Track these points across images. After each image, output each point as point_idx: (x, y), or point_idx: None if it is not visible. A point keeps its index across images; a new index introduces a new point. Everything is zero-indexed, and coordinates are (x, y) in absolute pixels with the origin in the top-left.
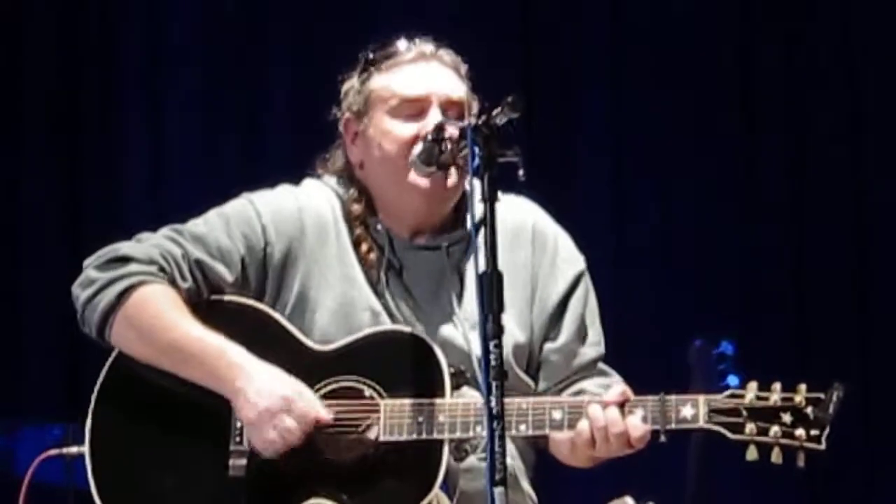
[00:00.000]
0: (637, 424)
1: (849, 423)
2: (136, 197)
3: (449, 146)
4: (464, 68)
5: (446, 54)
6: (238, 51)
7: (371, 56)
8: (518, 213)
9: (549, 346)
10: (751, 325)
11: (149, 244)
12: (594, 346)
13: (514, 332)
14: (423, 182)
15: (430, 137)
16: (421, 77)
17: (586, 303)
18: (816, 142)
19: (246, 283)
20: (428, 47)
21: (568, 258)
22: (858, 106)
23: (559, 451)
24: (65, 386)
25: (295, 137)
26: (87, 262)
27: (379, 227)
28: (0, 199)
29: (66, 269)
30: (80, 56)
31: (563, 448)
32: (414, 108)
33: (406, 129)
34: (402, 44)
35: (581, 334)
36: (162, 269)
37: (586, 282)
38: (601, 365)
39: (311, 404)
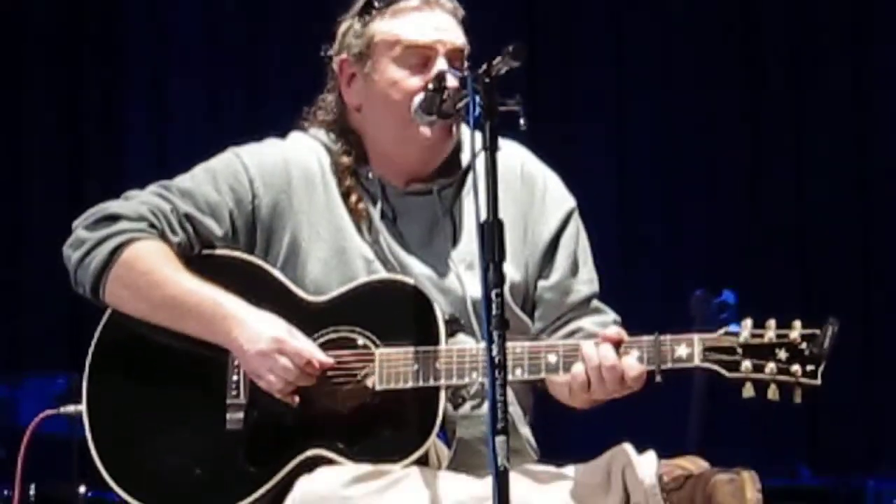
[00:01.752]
0: (632, 364)
1: (850, 361)
2: (137, 149)
3: (450, 95)
4: (461, 13)
5: (447, 0)
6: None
7: (368, 1)
8: (506, 155)
9: (542, 283)
10: (753, 274)
11: (137, 201)
12: (588, 283)
13: (510, 270)
14: (427, 132)
15: (430, 87)
16: (426, 25)
17: (578, 240)
18: (820, 93)
19: (235, 236)
20: None
21: (558, 197)
22: (862, 62)
23: (558, 392)
24: (68, 336)
25: (295, 91)
26: (76, 222)
27: (370, 175)
28: (3, 155)
29: (68, 220)
30: (82, 30)
31: (563, 390)
32: (420, 56)
33: (413, 81)
34: None
35: (574, 271)
36: (152, 225)
37: (577, 220)
38: (596, 303)
39: (304, 342)
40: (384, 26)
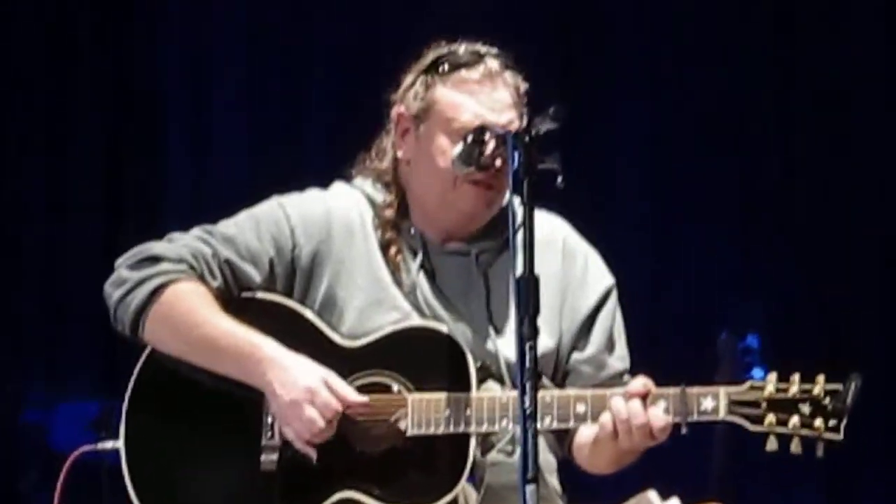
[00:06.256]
0: (659, 415)
1: (873, 413)
2: (177, 195)
3: (489, 148)
4: (523, 87)
5: (510, 76)
6: (282, 49)
7: (436, 61)
8: (549, 226)
9: (577, 355)
10: (778, 319)
11: (179, 244)
12: (621, 359)
13: (543, 338)
14: (467, 205)
15: (470, 139)
16: (485, 107)
17: (614, 318)
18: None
19: (274, 283)
20: (494, 65)
21: (598, 274)
22: None
23: (581, 455)
24: (103, 362)
25: (336, 125)
26: (118, 261)
27: (412, 230)
28: (42, 175)
29: (108, 248)
30: (125, 49)
31: (585, 451)
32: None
33: None
34: (469, 54)
35: (609, 346)
36: (192, 267)
37: (615, 298)
38: (628, 378)
39: (337, 392)
40: (445, 96)
